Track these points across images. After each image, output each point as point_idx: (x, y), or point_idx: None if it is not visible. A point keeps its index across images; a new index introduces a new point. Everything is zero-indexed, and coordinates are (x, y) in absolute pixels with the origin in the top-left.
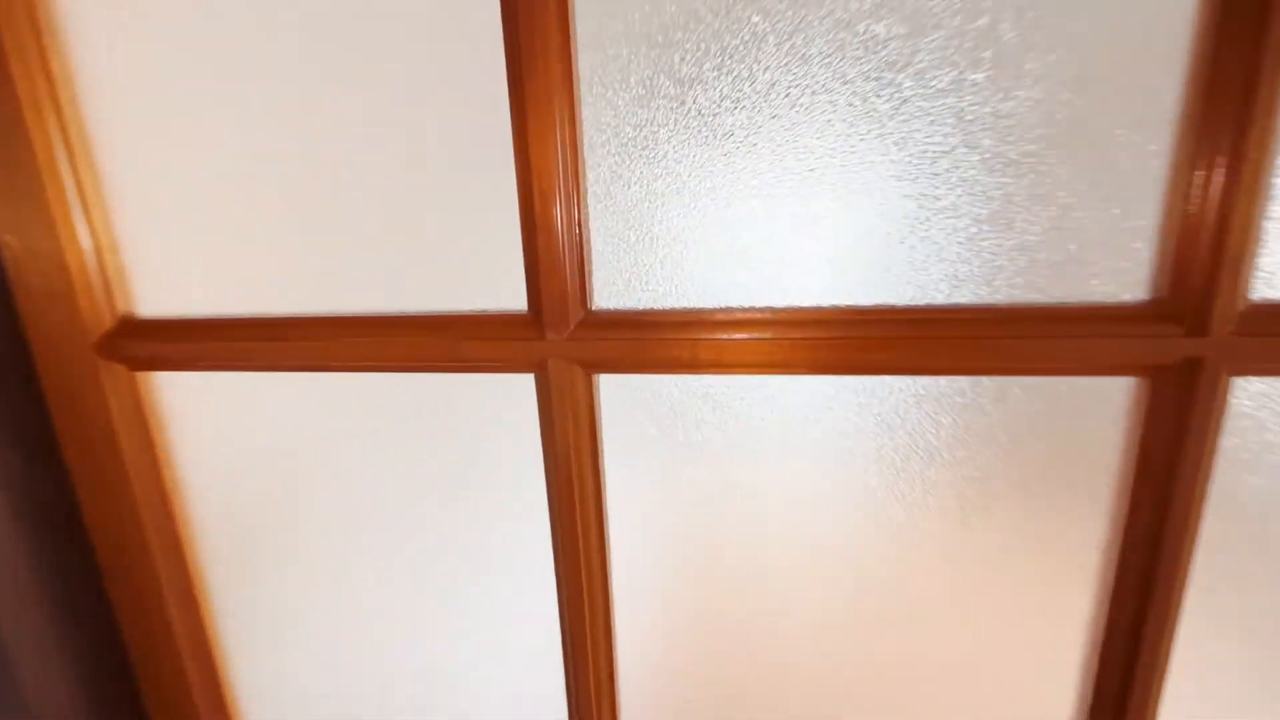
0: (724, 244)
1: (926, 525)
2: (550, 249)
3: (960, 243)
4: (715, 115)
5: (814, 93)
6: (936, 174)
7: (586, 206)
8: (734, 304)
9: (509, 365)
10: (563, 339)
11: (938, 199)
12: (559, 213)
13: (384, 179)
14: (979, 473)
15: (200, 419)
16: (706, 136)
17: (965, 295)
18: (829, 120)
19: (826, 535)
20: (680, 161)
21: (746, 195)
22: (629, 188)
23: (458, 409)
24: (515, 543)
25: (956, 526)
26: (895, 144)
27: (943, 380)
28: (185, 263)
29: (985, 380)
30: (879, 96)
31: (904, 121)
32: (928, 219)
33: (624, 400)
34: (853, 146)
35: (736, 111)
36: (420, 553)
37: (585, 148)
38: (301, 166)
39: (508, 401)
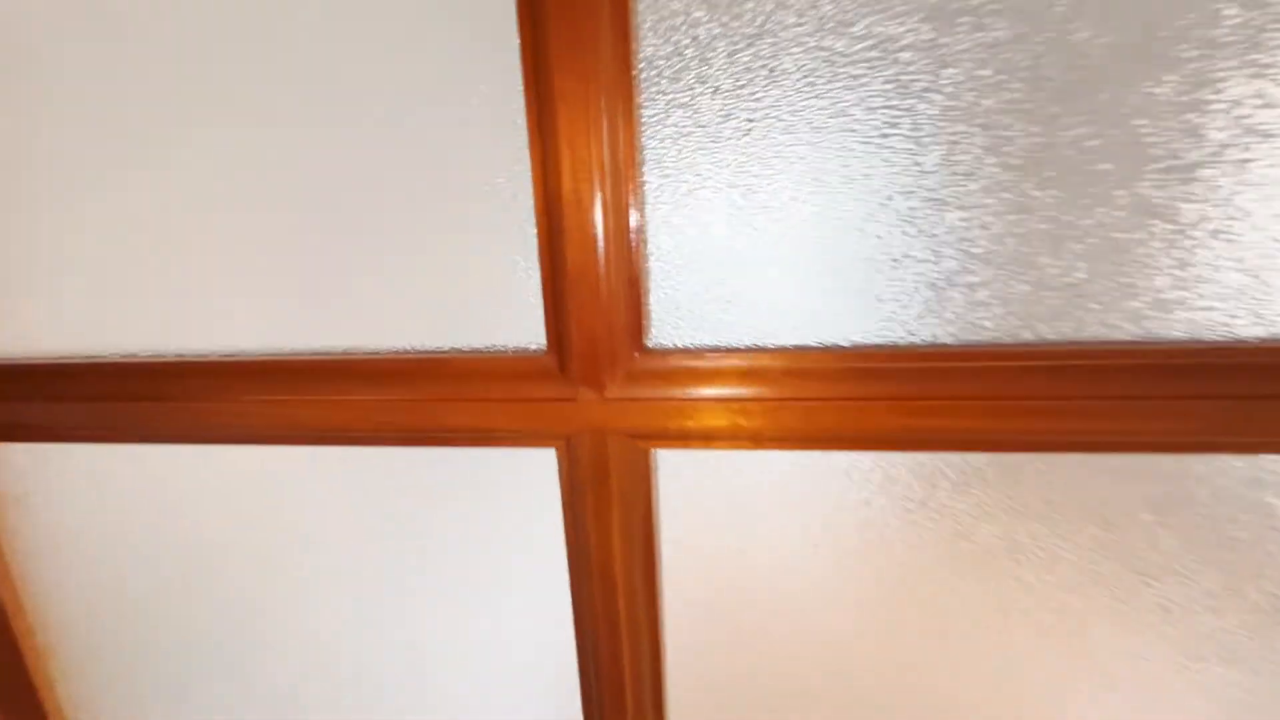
0: (874, 242)
1: (1149, 664)
2: (585, 254)
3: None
4: (854, 27)
5: None
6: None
7: (643, 181)
8: (885, 339)
9: (518, 437)
10: (603, 397)
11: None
12: (601, 191)
13: (319, 142)
14: (1214, 592)
15: (55, 504)
16: (857, 65)
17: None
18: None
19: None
20: (813, 102)
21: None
22: (720, 147)
23: (441, 491)
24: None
25: (1170, 670)
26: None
27: (1165, 460)
28: (31, 280)
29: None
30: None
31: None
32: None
33: (693, 483)
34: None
35: (905, 17)
36: (385, 686)
37: (642, 86)
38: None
39: (519, 482)
